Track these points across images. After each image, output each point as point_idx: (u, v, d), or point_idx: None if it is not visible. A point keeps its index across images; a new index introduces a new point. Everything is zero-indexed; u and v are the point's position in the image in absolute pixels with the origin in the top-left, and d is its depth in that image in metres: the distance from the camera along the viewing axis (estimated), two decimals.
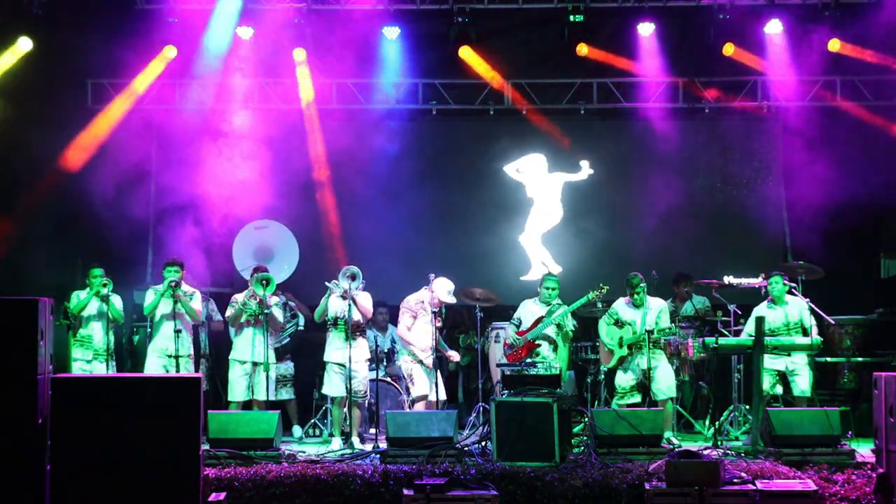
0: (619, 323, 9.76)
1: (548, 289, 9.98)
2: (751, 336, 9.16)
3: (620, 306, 9.84)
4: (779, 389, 9.65)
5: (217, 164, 11.25)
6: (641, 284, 9.69)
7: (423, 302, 9.77)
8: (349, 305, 9.47)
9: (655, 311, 9.70)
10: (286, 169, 11.33)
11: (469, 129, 12.30)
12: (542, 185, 12.27)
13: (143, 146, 11.52)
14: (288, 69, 11.66)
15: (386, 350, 10.62)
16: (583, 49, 11.56)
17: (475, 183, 12.25)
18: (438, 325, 9.66)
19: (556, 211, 12.26)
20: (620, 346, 9.67)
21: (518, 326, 9.96)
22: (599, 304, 10.38)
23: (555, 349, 9.91)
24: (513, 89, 11.97)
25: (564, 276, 11.39)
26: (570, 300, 9.97)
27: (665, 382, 9.57)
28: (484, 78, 11.85)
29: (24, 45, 11.06)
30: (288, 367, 10.53)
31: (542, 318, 9.81)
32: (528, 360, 9.51)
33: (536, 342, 9.78)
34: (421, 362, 9.68)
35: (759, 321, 9.24)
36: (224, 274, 11.08)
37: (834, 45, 11.35)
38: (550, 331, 9.88)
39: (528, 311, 10.00)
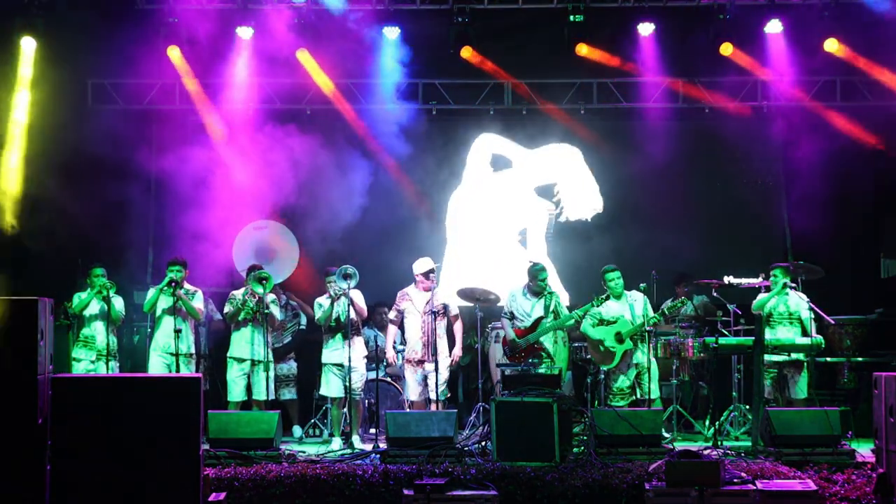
0: (603, 322, 9.72)
1: (542, 280, 9.81)
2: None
3: (602, 306, 9.76)
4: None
5: (217, 164, 11.24)
6: (616, 273, 9.70)
7: (407, 294, 9.76)
8: (346, 305, 9.47)
9: (641, 303, 9.69)
10: (286, 169, 11.32)
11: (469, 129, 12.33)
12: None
13: (143, 146, 11.52)
14: (288, 69, 11.66)
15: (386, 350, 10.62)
16: (582, 49, 11.58)
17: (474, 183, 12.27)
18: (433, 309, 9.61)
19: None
20: (621, 341, 9.63)
21: (511, 319, 9.89)
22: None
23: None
24: (512, 89, 12.01)
25: (565, 277, 11.40)
26: (568, 302, 9.96)
27: (654, 381, 9.61)
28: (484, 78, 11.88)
29: (27, 45, 11.06)
30: (290, 367, 10.54)
31: (541, 318, 9.77)
32: (532, 361, 9.48)
33: (536, 344, 9.73)
34: (411, 362, 9.66)
35: (759, 320, 9.24)
36: (224, 274, 11.06)
37: (833, 45, 11.36)
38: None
39: (519, 304, 9.88)
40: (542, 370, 9.27)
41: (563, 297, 10.86)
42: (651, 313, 9.63)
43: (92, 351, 9.68)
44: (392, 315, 9.90)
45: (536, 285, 9.81)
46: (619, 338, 9.62)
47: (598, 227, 12.08)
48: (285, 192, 11.36)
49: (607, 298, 9.65)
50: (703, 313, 10.47)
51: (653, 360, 9.66)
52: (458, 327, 9.90)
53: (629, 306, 9.65)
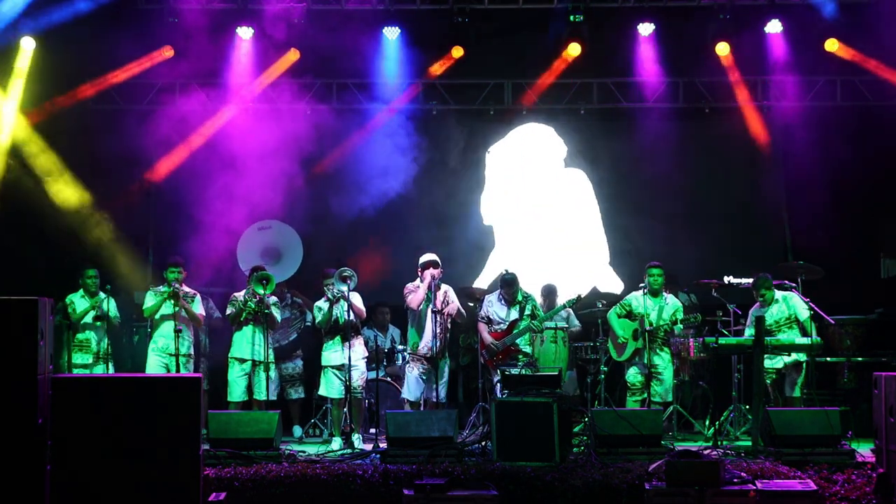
0: (631, 315, 9.74)
1: (514, 291, 9.72)
2: (751, 337, 9.17)
3: (634, 298, 9.82)
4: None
5: (217, 164, 11.24)
6: (659, 270, 9.74)
7: (417, 285, 9.67)
8: (345, 307, 9.45)
9: (671, 307, 9.70)
10: (286, 168, 11.33)
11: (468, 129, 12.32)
12: None
13: (142, 146, 11.52)
14: (287, 69, 11.67)
15: (386, 350, 10.61)
16: (579, 49, 11.57)
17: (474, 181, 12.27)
18: (444, 309, 9.51)
19: None
20: (636, 338, 9.64)
21: (488, 324, 9.81)
22: (600, 304, 10.39)
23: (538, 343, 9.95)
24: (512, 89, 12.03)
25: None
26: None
27: (665, 385, 9.60)
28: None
29: (27, 44, 11.08)
30: (297, 366, 10.52)
31: (516, 321, 9.71)
32: (511, 363, 9.45)
33: (513, 347, 9.68)
34: (419, 361, 9.60)
35: (759, 321, 9.24)
36: (226, 274, 11.06)
37: (833, 45, 11.36)
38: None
39: (495, 310, 9.82)
40: (519, 367, 9.23)
41: None
42: (678, 322, 9.69)
43: (88, 355, 9.69)
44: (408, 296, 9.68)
45: (509, 294, 9.78)
46: (636, 335, 9.64)
47: (598, 227, 12.06)
48: (287, 192, 11.37)
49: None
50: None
51: (669, 364, 9.69)
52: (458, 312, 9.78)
53: (660, 307, 9.66)
